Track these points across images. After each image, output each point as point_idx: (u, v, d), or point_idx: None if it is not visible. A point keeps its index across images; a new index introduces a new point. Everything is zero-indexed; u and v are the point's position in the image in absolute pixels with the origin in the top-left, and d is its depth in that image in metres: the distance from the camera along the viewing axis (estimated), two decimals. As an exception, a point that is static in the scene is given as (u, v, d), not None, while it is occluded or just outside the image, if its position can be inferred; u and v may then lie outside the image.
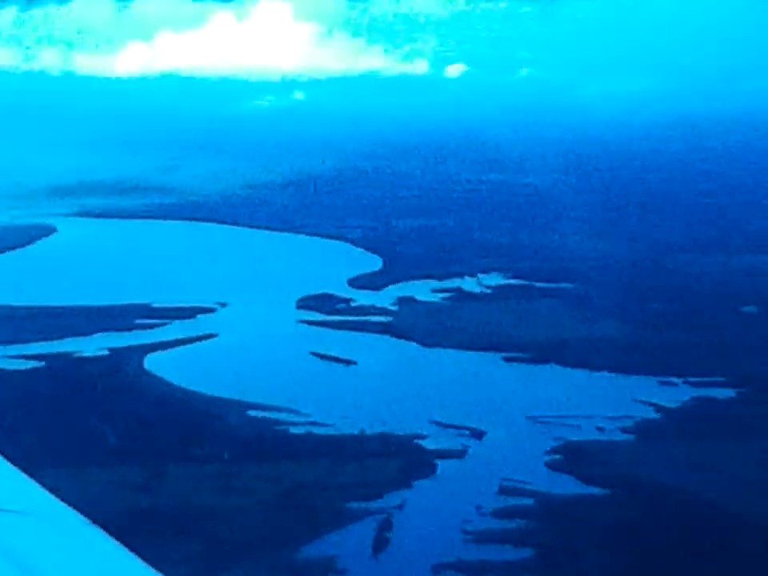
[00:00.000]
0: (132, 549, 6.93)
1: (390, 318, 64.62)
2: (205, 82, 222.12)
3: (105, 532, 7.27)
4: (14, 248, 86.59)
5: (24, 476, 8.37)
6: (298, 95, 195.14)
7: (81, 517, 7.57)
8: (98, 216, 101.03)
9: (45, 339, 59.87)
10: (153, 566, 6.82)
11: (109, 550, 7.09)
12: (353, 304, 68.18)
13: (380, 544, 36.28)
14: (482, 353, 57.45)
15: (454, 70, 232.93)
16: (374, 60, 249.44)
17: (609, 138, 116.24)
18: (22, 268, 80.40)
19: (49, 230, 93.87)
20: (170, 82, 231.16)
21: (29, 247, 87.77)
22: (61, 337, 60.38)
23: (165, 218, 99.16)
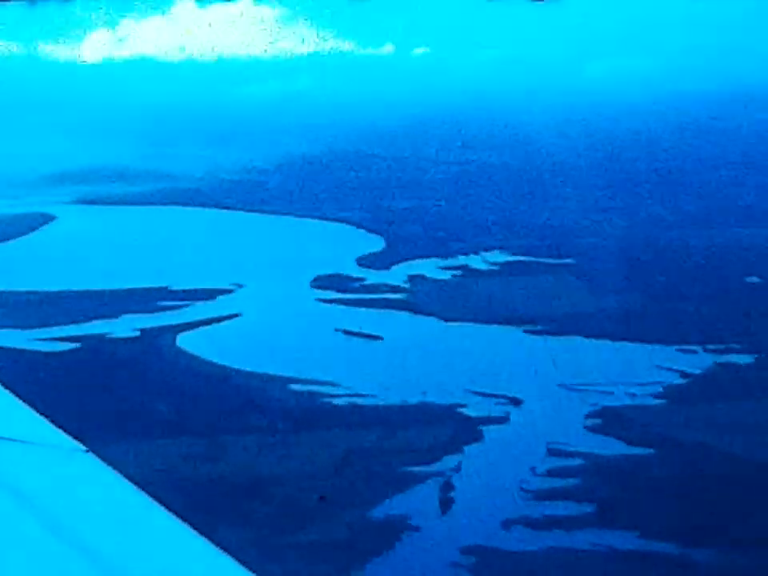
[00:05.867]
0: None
1: (405, 295, 66.59)
2: (170, 67, 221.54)
3: (106, 464, 7.25)
4: (15, 236, 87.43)
5: (25, 405, 8.30)
6: (269, 80, 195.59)
7: (82, 447, 7.52)
8: (94, 203, 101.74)
9: (71, 323, 61.28)
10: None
11: (112, 482, 7.02)
12: (366, 282, 70.11)
13: (446, 504, 38.37)
14: (502, 326, 59.61)
15: (419, 51, 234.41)
16: (339, 42, 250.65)
17: (601, 115, 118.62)
18: (30, 255, 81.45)
19: (48, 218, 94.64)
20: (135, 67, 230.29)
21: (31, 235, 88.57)
22: (87, 320, 61.77)
23: (161, 204, 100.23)
